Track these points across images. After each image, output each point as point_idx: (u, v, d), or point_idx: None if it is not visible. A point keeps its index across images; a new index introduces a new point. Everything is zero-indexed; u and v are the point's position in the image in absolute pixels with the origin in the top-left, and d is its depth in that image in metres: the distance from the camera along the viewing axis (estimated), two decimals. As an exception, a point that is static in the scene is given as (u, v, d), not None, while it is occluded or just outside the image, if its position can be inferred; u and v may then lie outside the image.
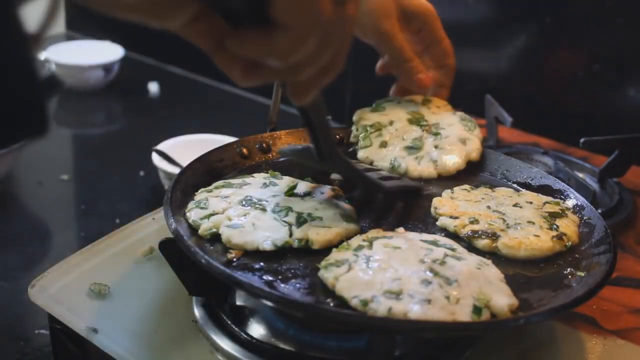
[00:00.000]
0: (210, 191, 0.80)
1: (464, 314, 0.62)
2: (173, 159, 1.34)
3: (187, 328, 0.75)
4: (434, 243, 0.72)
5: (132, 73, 1.94)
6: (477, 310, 0.63)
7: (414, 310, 0.62)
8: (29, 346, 0.95)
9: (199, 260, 0.67)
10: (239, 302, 0.78)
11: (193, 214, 0.75)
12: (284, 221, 0.74)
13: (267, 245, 0.71)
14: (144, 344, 0.74)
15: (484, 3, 1.49)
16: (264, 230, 0.72)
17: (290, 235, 0.72)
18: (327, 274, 0.67)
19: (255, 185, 0.81)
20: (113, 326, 0.76)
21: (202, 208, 0.76)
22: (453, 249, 0.71)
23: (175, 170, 1.26)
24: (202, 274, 0.69)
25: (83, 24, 2.15)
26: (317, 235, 0.72)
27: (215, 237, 0.73)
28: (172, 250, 0.72)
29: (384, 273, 0.66)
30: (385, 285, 0.64)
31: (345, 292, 0.65)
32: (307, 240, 0.72)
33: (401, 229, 0.76)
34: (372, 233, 0.74)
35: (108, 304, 0.79)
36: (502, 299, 0.65)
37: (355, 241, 0.72)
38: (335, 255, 0.69)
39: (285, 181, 0.83)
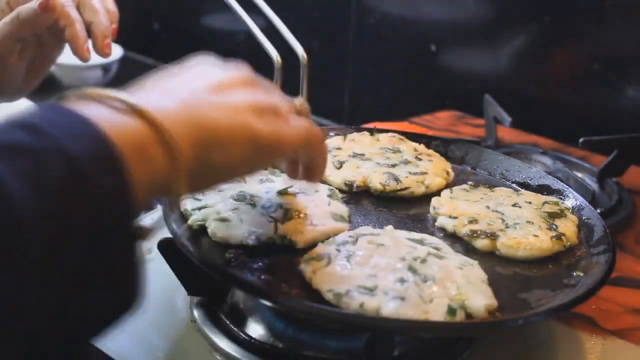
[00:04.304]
0: None
1: (437, 314, 0.62)
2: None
3: (185, 328, 0.75)
4: (420, 242, 0.72)
5: (131, 73, 1.93)
6: (451, 310, 0.63)
7: (387, 307, 0.62)
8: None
9: (197, 260, 0.67)
10: (237, 302, 0.78)
11: (187, 203, 0.75)
12: (271, 217, 0.73)
13: (250, 240, 0.71)
14: (143, 344, 0.73)
15: (484, 3, 1.49)
16: (249, 225, 0.72)
17: (276, 231, 0.72)
18: (307, 267, 0.67)
19: (252, 180, 0.81)
20: (111, 326, 0.75)
21: (196, 199, 0.76)
22: (437, 248, 0.71)
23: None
24: (201, 273, 0.69)
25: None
26: (301, 234, 0.72)
27: (204, 229, 0.73)
28: (170, 250, 0.72)
29: (362, 268, 0.66)
30: (360, 281, 0.64)
31: (321, 285, 0.65)
32: (290, 238, 0.72)
33: (390, 227, 0.76)
34: (360, 230, 0.74)
35: (107, 304, 0.78)
36: (479, 300, 0.64)
37: (342, 237, 0.72)
38: (318, 249, 0.70)
39: (283, 178, 0.83)
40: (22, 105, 1.41)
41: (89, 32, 0.87)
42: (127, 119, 0.51)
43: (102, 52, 0.87)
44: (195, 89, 0.57)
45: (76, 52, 0.85)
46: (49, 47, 0.90)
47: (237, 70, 0.62)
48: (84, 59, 0.85)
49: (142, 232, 0.54)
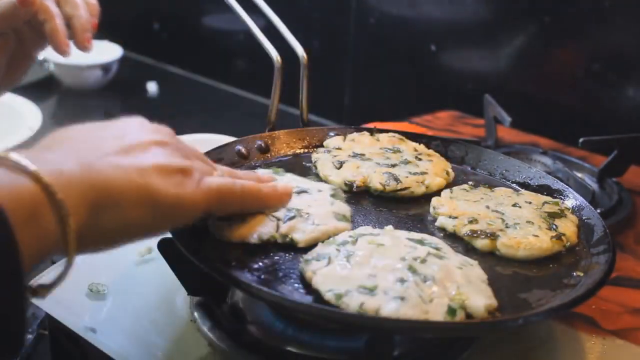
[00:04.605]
0: None
1: (438, 314, 0.62)
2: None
3: (185, 327, 0.75)
4: (420, 242, 0.72)
5: (131, 73, 1.94)
6: (451, 310, 0.63)
7: (387, 307, 0.62)
8: (28, 346, 0.95)
9: (197, 260, 0.67)
10: (237, 302, 0.78)
11: None
12: (273, 216, 0.73)
13: (252, 239, 0.71)
14: (142, 344, 0.74)
15: (483, 3, 1.49)
16: (252, 224, 0.72)
17: (277, 229, 0.72)
18: (307, 267, 0.67)
19: None
20: (111, 326, 0.76)
21: None
22: (438, 248, 0.71)
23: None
24: (201, 273, 0.68)
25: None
26: (303, 233, 0.72)
27: (205, 229, 0.73)
28: (170, 249, 0.72)
29: (362, 268, 0.66)
30: (360, 281, 0.64)
31: (321, 285, 0.65)
32: (291, 237, 0.72)
33: (390, 227, 0.76)
34: (360, 230, 0.74)
35: (106, 304, 0.79)
36: (479, 300, 0.64)
37: (342, 237, 0.72)
38: (318, 249, 0.70)
39: (287, 177, 0.83)
40: (24, 107, 1.41)
41: (70, 27, 0.87)
42: (19, 181, 0.51)
43: (82, 46, 0.87)
44: (103, 149, 0.59)
45: (55, 46, 0.85)
46: (28, 42, 0.89)
47: (156, 132, 0.64)
48: (63, 53, 0.85)
49: (38, 290, 0.55)
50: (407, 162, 0.91)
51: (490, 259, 0.74)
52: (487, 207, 0.81)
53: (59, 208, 0.52)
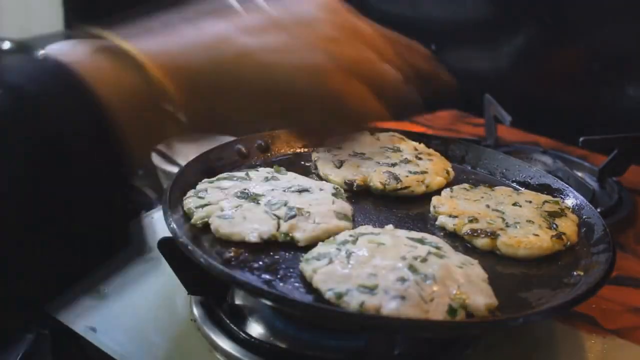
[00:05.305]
0: (212, 182, 0.80)
1: (438, 313, 0.62)
2: (172, 158, 1.34)
3: (185, 327, 0.75)
4: (420, 241, 0.72)
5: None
6: (452, 310, 0.63)
7: (387, 306, 0.62)
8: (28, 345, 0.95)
9: (198, 259, 0.67)
10: (237, 301, 0.78)
11: (190, 201, 0.75)
12: (274, 214, 0.74)
13: (252, 237, 0.71)
14: (143, 343, 0.74)
15: (483, 3, 1.49)
16: (252, 222, 0.72)
17: (278, 228, 0.72)
18: (307, 267, 0.67)
19: (257, 179, 0.81)
20: (112, 325, 0.76)
21: (199, 197, 0.76)
22: (438, 247, 0.71)
23: (174, 170, 1.25)
24: (201, 273, 0.68)
25: (82, 23, 2.15)
26: (304, 232, 0.72)
27: (207, 227, 0.73)
28: (170, 249, 0.72)
29: (363, 268, 0.66)
30: (360, 280, 0.64)
31: (322, 284, 0.65)
32: (292, 236, 0.72)
33: (390, 226, 0.76)
34: (360, 229, 0.74)
35: (107, 304, 0.79)
36: (480, 299, 0.65)
37: (342, 236, 0.72)
38: (318, 248, 0.69)
39: (288, 176, 0.83)
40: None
41: None
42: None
43: None
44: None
45: None
46: None
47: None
48: None
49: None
50: (407, 162, 0.91)
51: (490, 258, 0.74)
52: (488, 206, 0.81)
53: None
